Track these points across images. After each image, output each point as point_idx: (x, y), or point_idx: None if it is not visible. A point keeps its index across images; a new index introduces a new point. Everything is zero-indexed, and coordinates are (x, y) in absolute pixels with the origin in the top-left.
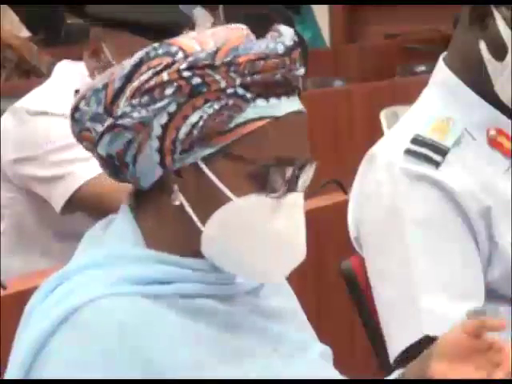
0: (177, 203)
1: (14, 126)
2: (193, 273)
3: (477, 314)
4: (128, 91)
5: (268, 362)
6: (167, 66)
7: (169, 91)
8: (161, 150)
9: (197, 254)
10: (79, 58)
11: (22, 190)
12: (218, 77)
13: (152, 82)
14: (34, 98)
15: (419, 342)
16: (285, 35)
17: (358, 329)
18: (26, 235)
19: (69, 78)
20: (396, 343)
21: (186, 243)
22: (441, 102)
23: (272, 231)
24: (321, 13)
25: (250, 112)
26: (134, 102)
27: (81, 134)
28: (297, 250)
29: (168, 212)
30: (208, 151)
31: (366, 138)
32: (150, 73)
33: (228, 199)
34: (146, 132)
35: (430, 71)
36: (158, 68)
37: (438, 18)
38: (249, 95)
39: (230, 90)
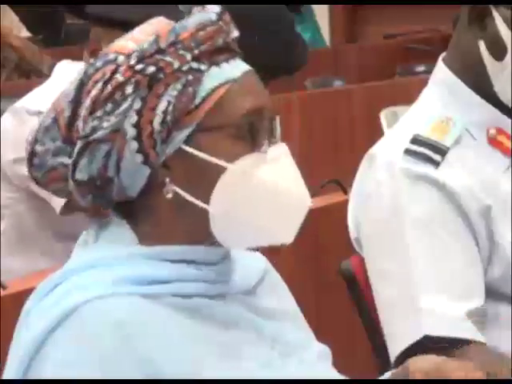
0: (170, 196)
1: (14, 126)
2: (188, 269)
3: (477, 313)
4: (83, 112)
5: (267, 359)
6: (115, 71)
7: (129, 90)
8: (141, 149)
9: (199, 242)
10: (79, 58)
11: (22, 190)
12: (169, 58)
13: (108, 89)
14: (34, 98)
15: (419, 341)
16: (209, 6)
17: (358, 329)
18: (26, 235)
19: (69, 78)
20: (396, 343)
21: (188, 235)
22: (440, 102)
23: (273, 185)
24: (321, 13)
25: (209, 82)
26: (99, 113)
27: (47, 176)
28: (300, 200)
29: (165, 210)
30: (186, 132)
31: (366, 138)
32: (99, 85)
33: (223, 169)
34: (121, 138)
35: (429, 71)
36: (106, 76)
37: (438, 17)
38: (203, 66)
39: (185, 67)
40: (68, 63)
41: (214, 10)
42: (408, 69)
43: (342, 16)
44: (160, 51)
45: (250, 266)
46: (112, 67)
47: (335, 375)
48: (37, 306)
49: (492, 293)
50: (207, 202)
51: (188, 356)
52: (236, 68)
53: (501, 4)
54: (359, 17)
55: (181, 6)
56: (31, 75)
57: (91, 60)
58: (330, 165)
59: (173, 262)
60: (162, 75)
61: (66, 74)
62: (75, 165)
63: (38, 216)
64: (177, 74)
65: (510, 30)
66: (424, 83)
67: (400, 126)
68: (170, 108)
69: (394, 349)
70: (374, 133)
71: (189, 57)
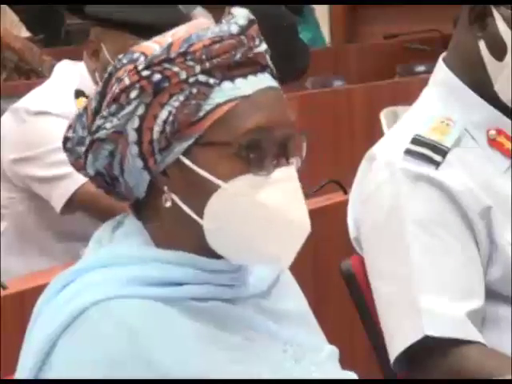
0: (168, 204)
1: (14, 126)
2: (203, 274)
3: (476, 313)
4: (103, 106)
5: (279, 363)
6: (129, 72)
7: (133, 94)
8: (141, 155)
9: (206, 251)
10: (79, 58)
11: (22, 190)
12: (176, 69)
13: (116, 90)
14: (34, 98)
15: (419, 342)
16: (238, 15)
17: (358, 329)
18: (26, 235)
19: (69, 77)
20: (396, 343)
21: (193, 242)
22: (441, 102)
23: (267, 209)
24: (321, 13)
25: (217, 96)
26: (105, 113)
27: (76, 162)
28: (299, 225)
29: (168, 215)
30: (185, 144)
31: (366, 138)
32: (116, 83)
33: (217, 187)
34: (123, 140)
35: (429, 71)
36: (122, 76)
37: (438, 18)
38: (212, 80)
39: (191, 79)
40: (68, 63)
41: (239, 21)
42: (408, 69)
43: (341, 16)
44: (168, 60)
45: (265, 268)
46: (131, 66)
47: (344, 376)
48: (48, 304)
49: (492, 293)
50: (201, 215)
51: (198, 360)
52: (252, 84)
53: (501, 4)
54: (359, 17)
55: (181, 6)
56: (31, 75)
57: (121, 55)
58: (330, 165)
59: (185, 265)
60: (166, 84)
61: (66, 74)
62: (85, 160)
63: (37, 216)
64: (182, 85)
65: (510, 29)
66: (424, 83)
67: (400, 126)
68: (171, 118)
69: (394, 349)
70: (374, 133)
71: (197, 69)
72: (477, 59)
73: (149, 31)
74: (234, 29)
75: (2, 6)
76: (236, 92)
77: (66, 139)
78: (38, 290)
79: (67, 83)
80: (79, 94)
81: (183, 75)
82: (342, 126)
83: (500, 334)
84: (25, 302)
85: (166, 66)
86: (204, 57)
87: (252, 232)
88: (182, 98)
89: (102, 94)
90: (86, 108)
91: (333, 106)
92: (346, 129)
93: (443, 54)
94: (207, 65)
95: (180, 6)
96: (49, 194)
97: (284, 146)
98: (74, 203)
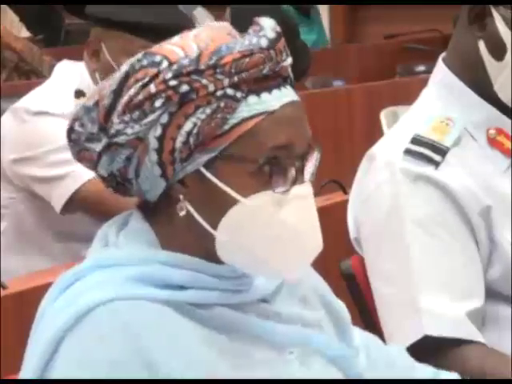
0: (183, 213)
1: (14, 125)
2: (208, 278)
3: (476, 313)
4: (119, 107)
5: (283, 368)
6: (153, 78)
7: (158, 103)
8: (160, 163)
9: (214, 258)
10: (79, 58)
11: (22, 190)
12: (204, 81)
13: (140, 96)
14: (34, 98)
15: (419, 342)
16: (266, 28)
17: None
18: (26, 235)
19: (69, 77)
20: (396, 343)
21: (202, 250)
22: (440, 101)
23: (284, 227)
24: (321, 13)
25: (243, 110)
26: (126, 118)
27: (80, 154)
28: (312, 242)
29: (179, 222)
30: (208, 156)
31: (366, 138)
32: (137, 86)
33: (235, 201)
34: (143, 146)
35: (429, 71)
36: (145, 80)
37: (438, 18)
38: (239, 94)
39: (219, 93)
40: (68, 63)
41: (267, 34)
42: (408, 69)
43: (341, 16)
44: (197, 72)
45: None
46: (154, 71)
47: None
48: (52, 305)
49: (492, 293)
50: (215, 227)
51: (200, 363)
52: (277, 99)
53: (500, 4)
54: (359, 17)
55: (181, 7)
56: (31, 75)
57: (139, 55)
58: (330, 165)
59: (190, 269)
60: (194, 96)
61: (66, 74)
62: (98, 159)
63: (37, 216)
64: (209, 98)
65: (510, 29)
66: (424, 83)
67: (400, 126)
68: (195, 130)
69: None
70: (374, 133)
71: (226, 82)
72: (476, 59)
73: (149, 31)
74: (264, 42)
75: (2, 5)
76: (262, 106)
77: (70, 129)
78: (38, 290)
79: (67, 83)
80: (79, 94)
81: (211, 88)
82: (342, 126)
83: (500, 334)
84: (25, 302)
85: (195, 77)
86: (233, 70)
87: (265, 248)
88: (208, 111)
89: (116, 93)
90: (96, 103)
91: (333, 105)
92: (345, 129)
93: (443, 54)
94: (236, 79)
95: (180, 6)
96: (49, 194)
97: (302, 161)
98: (74, 203)
